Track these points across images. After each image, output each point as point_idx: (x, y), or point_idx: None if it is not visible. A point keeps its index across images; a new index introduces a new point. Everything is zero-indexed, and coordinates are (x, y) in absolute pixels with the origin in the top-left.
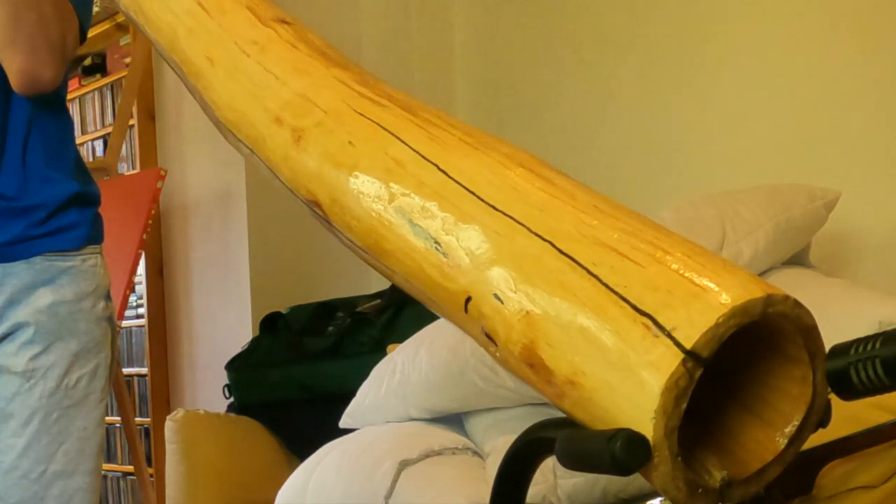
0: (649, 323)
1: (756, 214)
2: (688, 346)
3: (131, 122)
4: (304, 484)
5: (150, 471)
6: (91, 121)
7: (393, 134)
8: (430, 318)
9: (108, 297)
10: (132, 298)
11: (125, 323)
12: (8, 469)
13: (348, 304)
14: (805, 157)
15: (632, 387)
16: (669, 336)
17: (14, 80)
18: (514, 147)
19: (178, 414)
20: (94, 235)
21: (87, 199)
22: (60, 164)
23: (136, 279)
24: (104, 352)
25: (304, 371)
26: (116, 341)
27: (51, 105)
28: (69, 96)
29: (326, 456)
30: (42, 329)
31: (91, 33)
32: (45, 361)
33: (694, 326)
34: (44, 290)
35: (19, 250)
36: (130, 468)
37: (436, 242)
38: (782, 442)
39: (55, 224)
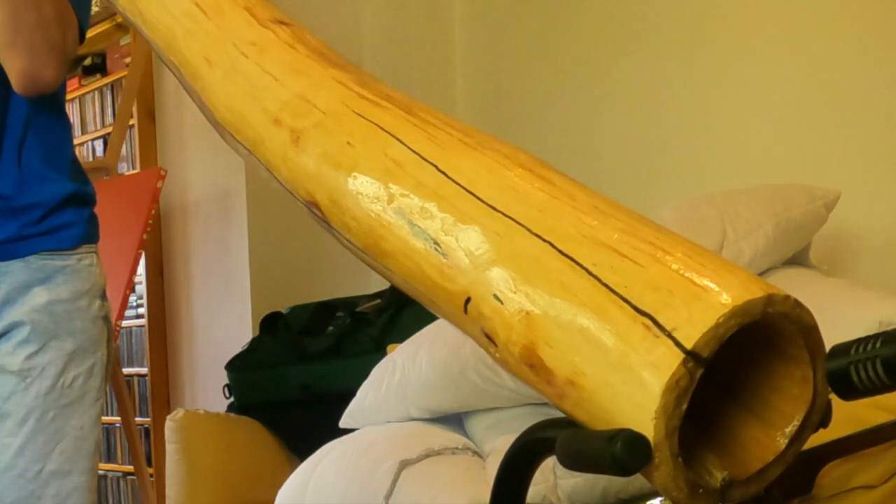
0: (650, 323)
1: (756, 214)
2: (688, 346)
3: (131, 122)
4: (304, 484)
5: (150, 471)
6: (91, 121)
7: (392, 135)
8: (430, 318)
9: (103, 297)
10: (132, 298)
11: (125, 323)
12: (4, 468)
13: (348, 304)
14: (805, 157)
15: (632, 387)
16: (670, 336)
17: (15, 81)
18: (514, 147)
19: (178, 414)
20: (89, 235)
21: (82, 199)
22: (57, 164)
23: (136, 279)
24: (100, 351)
25: (304, 371)
26: (112, 340)
27: (48, 105)
28: (69, 96)
29: (326, 456)
30: (38, 328)
31: (91, 33)
32: (41, 360)
33: (694, 326)
34: (39, 289)
35: (15, 249)
36: (130, 468)
37: (435, 243)
38: (783, 442)
39: (51, 223)
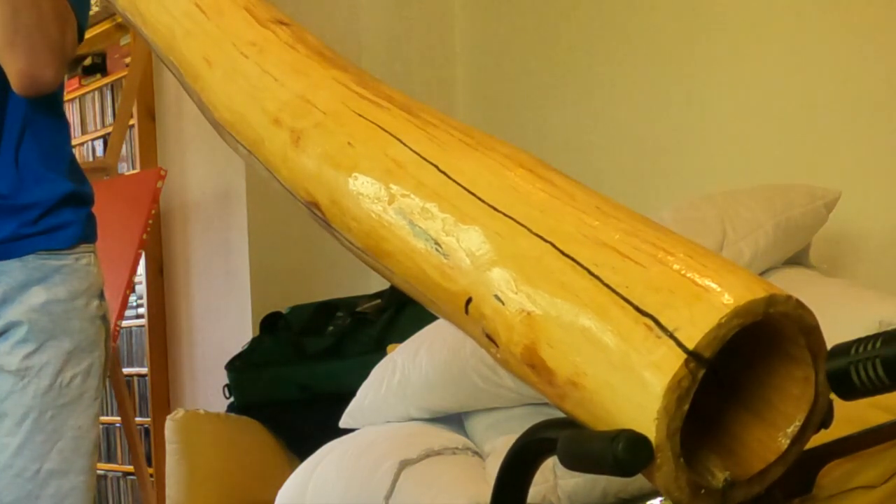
0: (651, 323)
1: (756, 214)
2: (690, 346)
3: (131, 122)
4: (304, 484)
5: (150, 471)
6: (91, 121)
7: (392, 135)
8: (430, 318)
9: (101, 296)
10: (132, 298)
11: (125, 323)
12: (2, 468)
13: (348, 304)
14: (805, 157)
15: (634, 387)
16: (672, 337)
17: (15, 82)
18: (514, 148)
19: (178, 414)
20: (87, 234)
21: (80, 199)
22: (55, 164)
23: (136, 279)
24: (98, 350)
25: (304, 371)
26: (110, 340)
27: (46, 105)
28: (69, 96)
29: (326, 456)
30: (35, 327)
31: (91, 33)
32: (38, 360)
33: (696, 327)
34: (37, 288)
35: (12, 248)
36: (130, 468)
37: (436, 243)
38: (785, 442)
39: (49, 223)
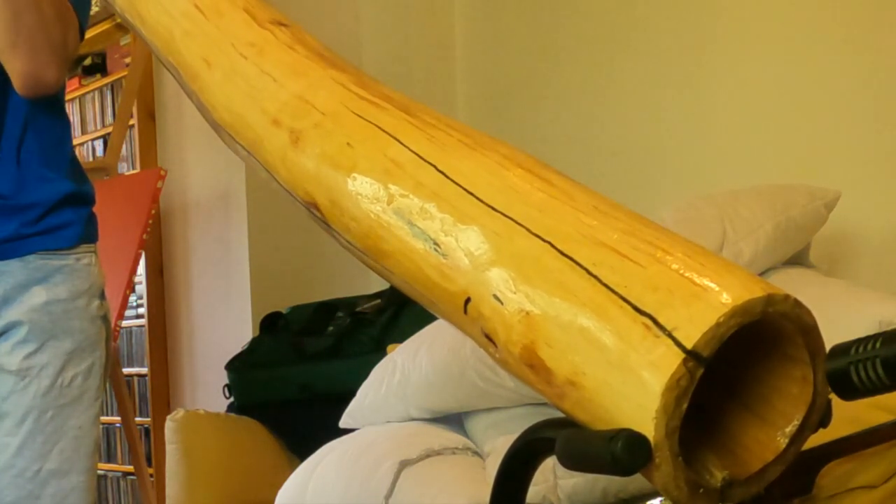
0: (650, 323)
1: (756, 214)
2: (688, 345)
3: (131, 122)
4: (304, 484)
5: (150, 471)
6: (91, 121)
7: (391, 135)
8: (430, 318)
9: (102, 296)
10: (132, 298)
11: (125, 323)
12: (3, 468)
13: (348, 304)
14: (805, 157)
15: (633, 387)
16: (670, 336)
17: (17, 83)
18: (513, 148)
19: (178, 414)
20: (88, 234)
21: (81, 199)
22: (56, 164)
23: (136, 279)
24: (99, 350)
25: (304, 371)
26: (111, 340)
27: (47, 105)
28: (69, 96)
29: (326, 456)
30: (36, 327)
31: (91, 33)
32: (39, 360)
33: (695, 326)
34: (38, 288)
35: (13, 248)
36: (130, 468)
37: (435, 243)
38: (783, 442)
39: (49, 223)
